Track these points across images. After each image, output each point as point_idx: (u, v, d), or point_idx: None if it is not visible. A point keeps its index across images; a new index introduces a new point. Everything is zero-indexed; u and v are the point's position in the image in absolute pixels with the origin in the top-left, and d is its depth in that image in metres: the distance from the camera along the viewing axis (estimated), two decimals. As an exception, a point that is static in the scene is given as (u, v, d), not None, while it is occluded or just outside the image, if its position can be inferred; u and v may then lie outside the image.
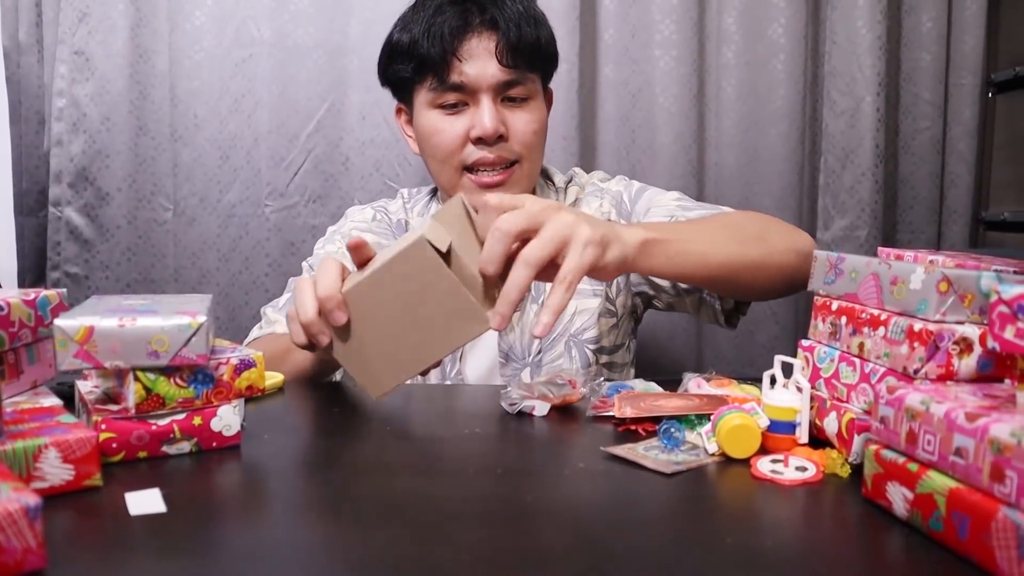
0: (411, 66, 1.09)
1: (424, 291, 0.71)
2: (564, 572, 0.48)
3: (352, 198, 1.64)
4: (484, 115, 1.06)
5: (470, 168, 1.10)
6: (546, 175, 1.24)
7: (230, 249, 1.66)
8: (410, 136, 1.19)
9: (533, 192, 1.18)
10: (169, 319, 0.64)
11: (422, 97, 1.10)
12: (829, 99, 1.69)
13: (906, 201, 1.76)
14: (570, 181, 1.24)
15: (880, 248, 0.75)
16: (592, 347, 1.13)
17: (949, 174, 1.75)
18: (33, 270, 1.66)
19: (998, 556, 0.47)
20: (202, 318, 0.65)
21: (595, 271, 0.76)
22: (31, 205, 1.65)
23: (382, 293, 0.73)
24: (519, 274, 0.71)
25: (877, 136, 1.67)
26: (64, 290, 0.77)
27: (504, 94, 1.08)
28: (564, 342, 1.12)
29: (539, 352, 1.12)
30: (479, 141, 1.08)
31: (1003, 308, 0.52)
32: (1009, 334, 0.51)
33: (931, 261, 0.68)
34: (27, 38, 1.60)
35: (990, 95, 1.76)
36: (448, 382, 1.12)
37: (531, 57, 1.09)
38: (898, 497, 0.55)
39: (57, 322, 0.63)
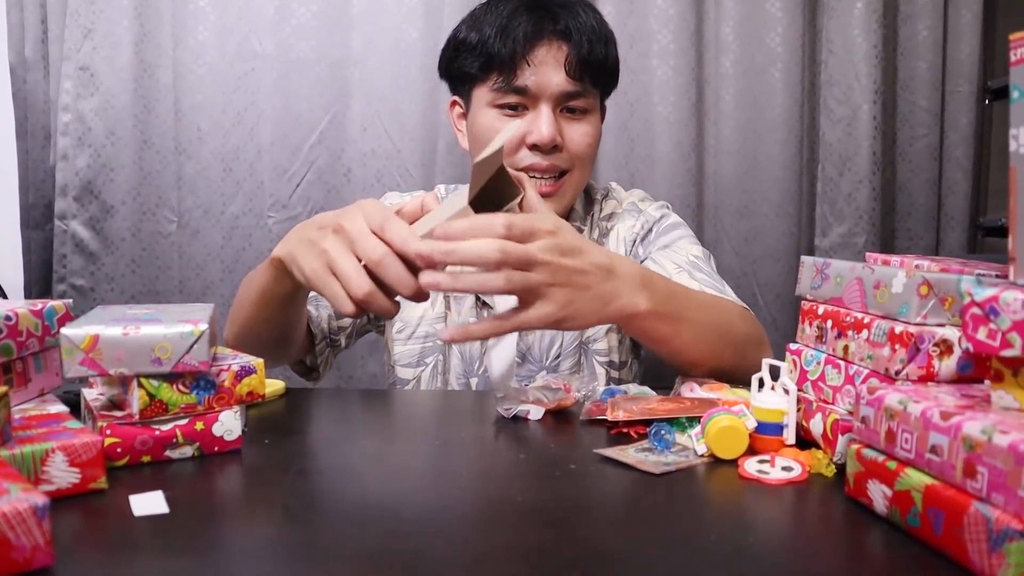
0: (478, 63, 1.09)
1: None
2: (553, 569, 0.49)
3: (354, 208, 1.66)
4: (543, 123, 1.07)
5: (519, 171, 1.05)
6: (587, 188, 1.24)
7: (234, 260, 1.68)
8: (461, 131, 1.20)
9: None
10: (172, 327, 0.66)
11: (482, 95, 1.10)
12: (826, 107, 1.71)
13: (904, 208, 1.77)
14: (606, 195, 1.24)
15: (868, 253, 0.77)
16: (602, 359, 1.14)
17: (946, 181, 1.76)
18: (39, 283, 1.68)
19: (970, 550, 0.48)
20: (204, 326, 0.67)
21: (556, 325, 0.75)
22: (37, 219, 1.68)
23: None
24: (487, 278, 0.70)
25: (874, 144, 1.68)
26: (70, 300, 0.79)
27: (564, 104, 1.09)
28: (579, 350, 1.14)
29: (557, 357, 1.13)
30: (534, 148, 1.08)
31: (976, 310, 0.53)
32: (982, 335, 0.53)
33: (916, 266, 0.70)
34: (33, 54, 1.63)
35: (987, 102, 1.78)
36: (475, 379, 1.14)
37: (597, 73, 1.10)
38: (878, 494, 0.57)
39: (63, 331, 0.65)
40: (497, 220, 0.70)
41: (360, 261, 0.71)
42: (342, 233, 0.71)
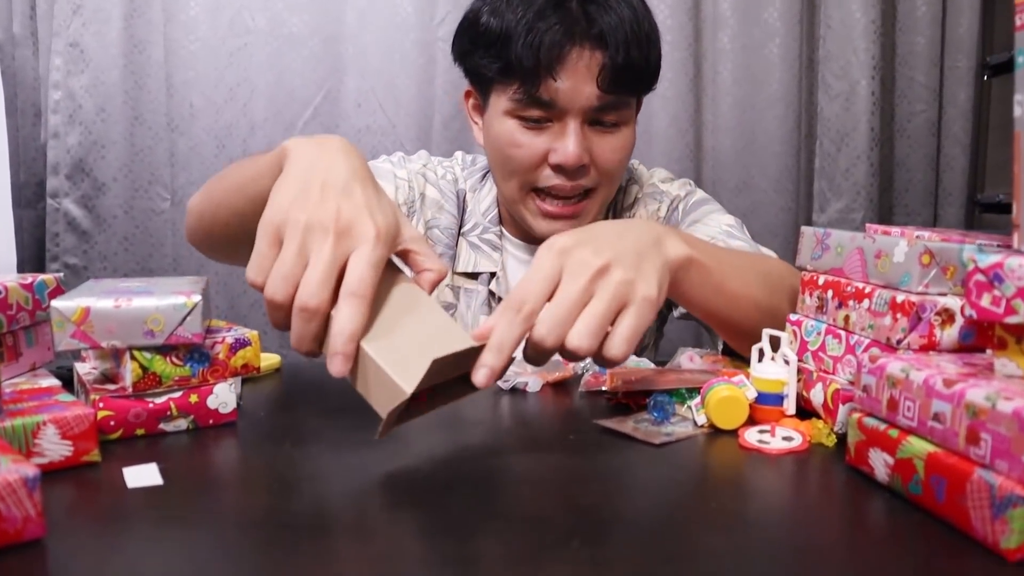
0: (496, 66, 0.95)
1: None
2: (553, 538, 0.49)
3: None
4: (569, 142, 0.94)
5: (539, 189, 0.99)
6: None
7: (227, 238, 1.67)
8: (477, 124, 1.08)
9: None
10: (164, 299, 0.65)
11: (501, 101, 0.97)
12: (824, 83, 1.70)
13: (902, 184, 1.77)
14: (629, 178, 1.14)
15: (868, 224, 0.76)
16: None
17: (944, 156, 1.75)
18: (32, 262, 1.67)
19: (973, 516, 0.48)
20: (196, 297, 0.66)
21: (652, 310, 0.64)
22: (29, 197, 1.66)
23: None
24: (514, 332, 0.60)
25: (872, 119, 1.67)
26: (61, 274, 0.78)
27: (594, 118, 0.96)
28: None
29: None
30: (558, 168, 0.96)
31: (979, 276, 0.53)
32: (985, 302, 0.52)
33: (917, 236, 0.69)
34: (22, 31, 1.60)
35: (985, 78, 1.77)
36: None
37: (634, 81, 0.96)
38: (879, 463, 0.56)
39: (54, 303, 0.64)
40: (510, 301, 0.60)
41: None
42: (341, 244, 0.59)
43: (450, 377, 0.61)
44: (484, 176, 1.15)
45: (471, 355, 0.59)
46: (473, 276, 1.09)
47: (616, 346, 0.61)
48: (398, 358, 0.56)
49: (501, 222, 1.12)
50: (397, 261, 0.66)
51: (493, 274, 1.08)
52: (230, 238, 0.87)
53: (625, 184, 1.13)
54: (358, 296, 0.57)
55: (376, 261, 0.59)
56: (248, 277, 0.61)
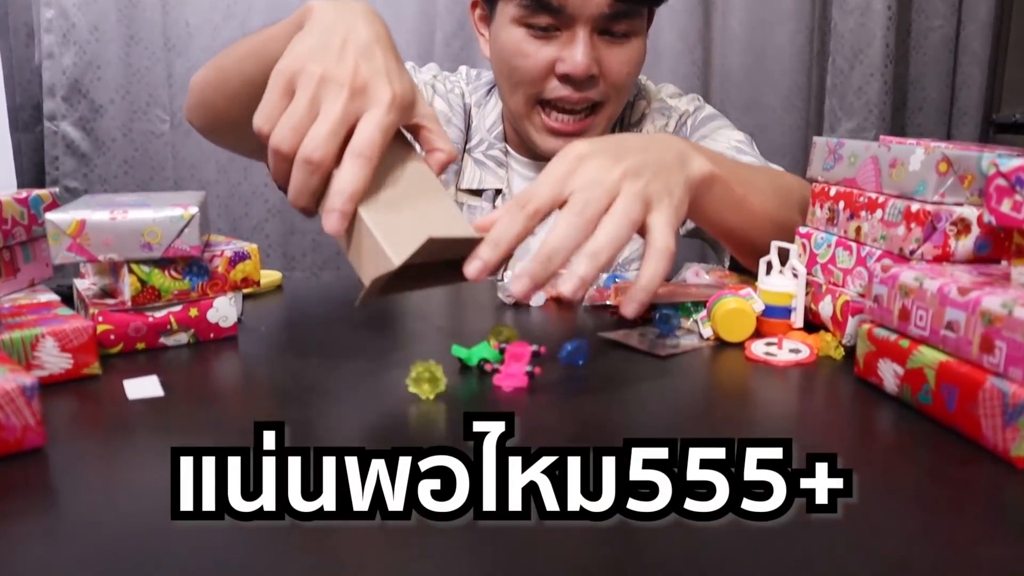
0: None
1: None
2: (554, 443, 0.48)
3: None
4: (577, 51, 0.90)
5: (545, 102, 0.97)
6: None
7: (229, 160, 1.65)
8: (483, 36, 1.05)
9: None
10: (161, 211, 0.64)
11: (509, 8, 0.93)
12: (839, -4, 1.64)
13: (915, 102, 1.72)
14: (637, 94, 1.11)
15: (882, 136, 0.73)
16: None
17: (961, 74, 1.70)
18: (32, 186, 1.65)
19: (984, 424, 0.47)
20: (194, 209, 0.65)
21: (677, 218, 0.62)
22: (26, 120, 1.63)
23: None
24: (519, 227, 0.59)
25: (888, 35, 1.62)
26: (56, 189, 0.76)
27: (604, 27, 0.92)
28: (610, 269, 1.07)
29: None
30: (566, 78, 0.93)
31: (1001, 181, 0.51)
32: (1006, 207, 0.51)
33: (933, 146, 0.67)
34: (10, -56, 1.55)
35: (1007, -9, 1.70)
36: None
37: None
38: (889, 373, 0.55)
39: (48, 216, 0.63)
40: (519, 198, 0.59)
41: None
42: (354, 102, 0.57)
43: (440, 259, 0.59)
44: (489, 91, 1.12)
45: (468, 245, 0.57)
46: (478, 193, 1.07)
47: (658, 236, 0.59)
48: (393, 229, 0.55)
49: (506, 139, 1.09)
50: (409, 138, 0.65)
51: (498, 191, 1.06)
52: (235, 112, 0.79)
53: (633, 100, 1.10)
54: (364, 157, 0.56)
55: (387, 126, 0.57)
56: (255, 124, 0.59)
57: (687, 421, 0.53)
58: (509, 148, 1.09)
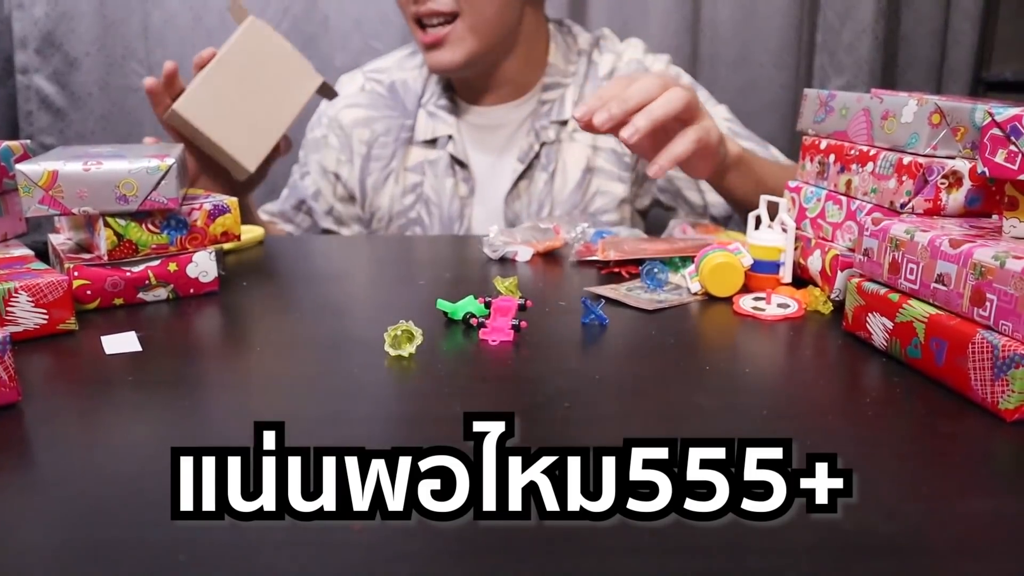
0: None
1: (264, 64, 0.90)
2: (542, 398, 0.48)
3: (332, 59, 1.58)
4: None
5: (418, 22, 1.00)
6: (567, 31, 1.13)
7: (209, 116, 1.61)
8: None
9: (547, 47, 1.09)
10: (136, 162, 0.62)
11: None
12: (830, -51, 1.61)
13: (906, 60, 1.70)
14: (596, 44, 1.12)
15: (874, 89, 0.72)
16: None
17: (952, 31, 1.68)
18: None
19: (972, 378, 0.47)
20: (170, 160, 0.63)
21: (696, 157, 0.78)
22: (-2, 73, 1.59)
23: (230, 76, 0.89)
24: (639, 119, 0.73)
25: (880, -11, 1.59)
26: (28, 140, 0.74)
27: None
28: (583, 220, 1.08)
29: None
30: None
31: (996, 131, 0.50)
32: (1000, 158, 0.50)
33: (926, 98, 0.65)
34: None
35: (1000, -55, 1.68)
36: None
37: None
38: (878, 328, 0.55)
39: (19, 167, 0.61)
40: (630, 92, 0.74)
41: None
42: None
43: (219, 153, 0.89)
44: None
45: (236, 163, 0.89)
46: (432, 143, 1.09)
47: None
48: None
49: (451, 86, 1.12)
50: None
51: (450, 137, 1.09)
52: None
53: (591, 49, 1.11)
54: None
55: None
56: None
57: (674, 373, 0.52)
58: (456, 96, 1.11)
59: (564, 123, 1.07)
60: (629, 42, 1.15)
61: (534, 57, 1.08)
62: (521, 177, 1.06)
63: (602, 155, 1.07)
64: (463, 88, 1.11)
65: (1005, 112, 0.49)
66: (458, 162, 1.08)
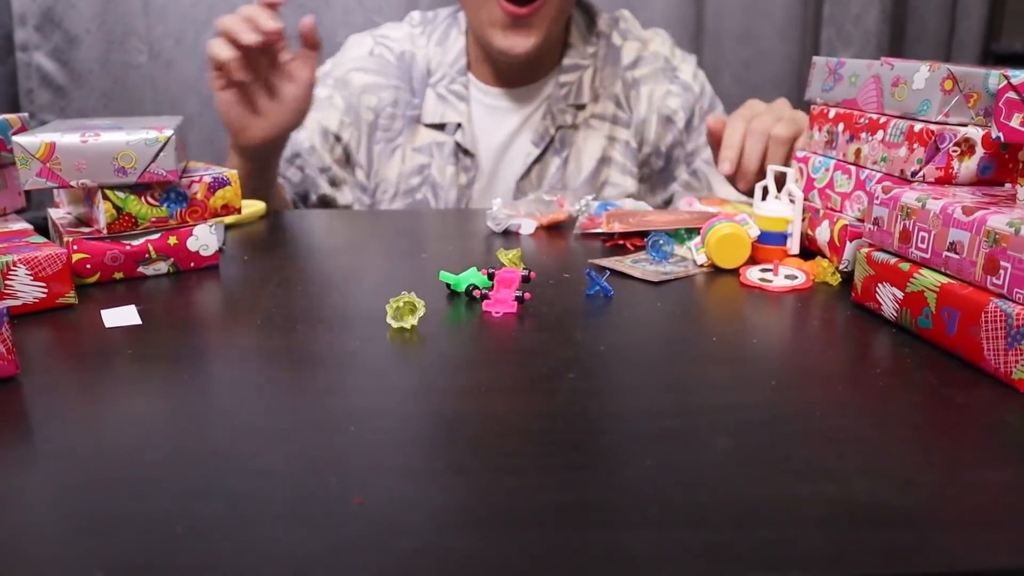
0: None
1: None
2: (547, 369, 0.47)
3: (335, 35, 1.56)
4: None
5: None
6: (586, 7, 1.12)
7: (211, 93, 1.60)
8: None
9: (568, 26, 1.08)
10: (134, 134, 0.61)
11: None
12: (838, -80, 1.58)
13: (914, 33, 1.68)
14: (616, 25, 1.11)
15: (883, 57, 0.71)
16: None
17: (962, 4, 1.66)
18: (8, 119, 1.60)
19: (985, 348, 0.46)
20: (169, 132, 0.62)
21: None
22: (-2, 50, 1.57)
23: None
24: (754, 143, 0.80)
25: (889, -40, 1.57)
26: (26, 114, 0.73)
27: None
28: (593, 191, 1.07)
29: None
30: None
31: (1011, 95, 0.49)
32: (1015, 122, 0.49)
33: (937, 64, 0.64)
34: None
35: (1011, -87, 1.65)
36: None
37: None
38: (888, 298, 0.54)
39: (16, 138, 0.60)
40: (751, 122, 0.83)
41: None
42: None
43: None
44: (451, 21, 1.12)
45: None
46: (440, 127, 1.07)
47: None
48: None
49: (469, 69, 1.09)
50: None
51: (459, 125, 1.06)
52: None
53: (611, 30, 1.09)
54: None
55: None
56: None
57: (680, 345, 0.52)
58: (472, 78, 1.08)
59: (582, 107, 1.05)
60: (656, 31, 1.14)
61: (555, 37, 1.04)
62: (535, 161, 1.05)
63: (617, 147, 1.06)
64: (483, 70, 1.08)
65: (1022, 75, 0.48)
66: (463, 151, 1.06)
